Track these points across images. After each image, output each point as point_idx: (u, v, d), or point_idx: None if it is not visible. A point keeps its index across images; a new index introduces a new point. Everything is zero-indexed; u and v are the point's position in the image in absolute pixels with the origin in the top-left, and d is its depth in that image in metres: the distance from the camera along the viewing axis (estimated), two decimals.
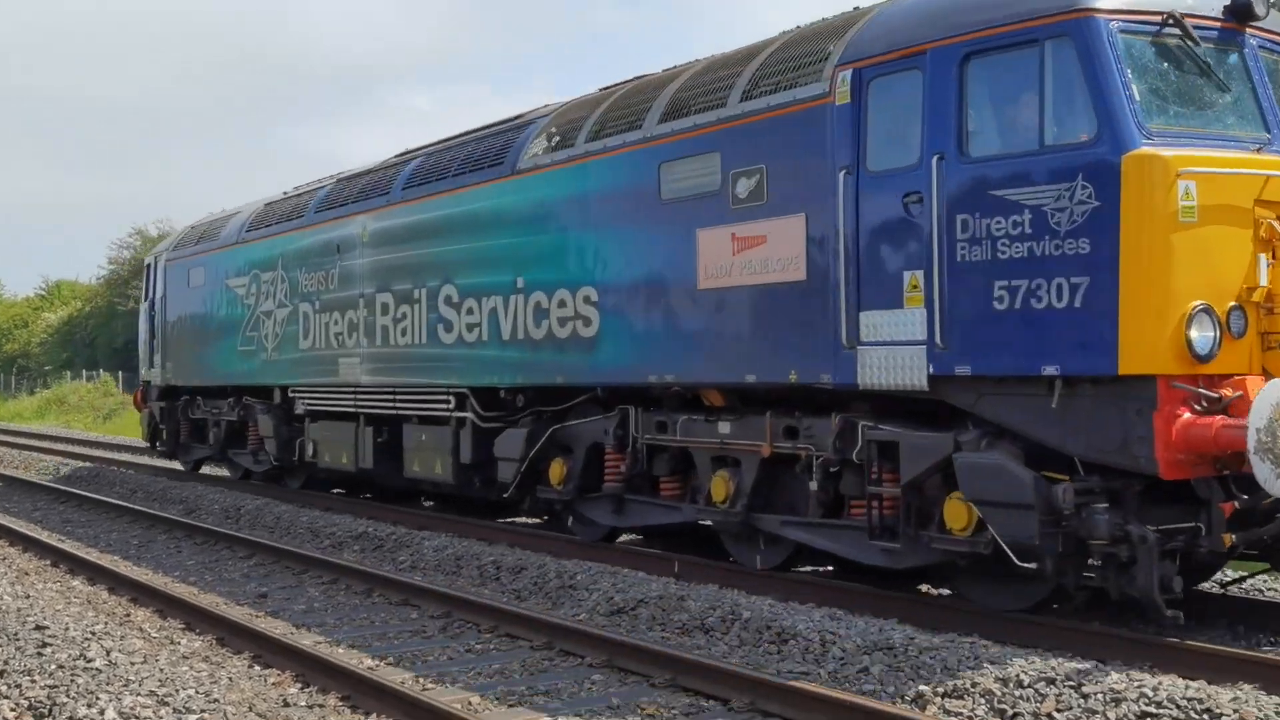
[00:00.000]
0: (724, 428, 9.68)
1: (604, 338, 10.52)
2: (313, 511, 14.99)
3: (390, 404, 13.83)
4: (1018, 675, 6.49)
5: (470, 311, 12.29)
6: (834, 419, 8.68)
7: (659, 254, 9.97)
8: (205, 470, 20.63)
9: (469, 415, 12.49)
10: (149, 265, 21.47)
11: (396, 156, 14.96)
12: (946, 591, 9.15)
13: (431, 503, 15.75)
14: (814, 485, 8.86)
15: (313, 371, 15.34)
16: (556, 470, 11.44)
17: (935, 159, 7.73)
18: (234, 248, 17.72)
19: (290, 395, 16.04)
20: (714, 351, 9.42)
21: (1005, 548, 7.38)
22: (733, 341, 9.26)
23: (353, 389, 14.54)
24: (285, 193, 17.65)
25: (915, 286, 7.90)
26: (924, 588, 9.44)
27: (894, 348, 8.01)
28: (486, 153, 12.45)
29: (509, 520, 14.00)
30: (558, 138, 11.41)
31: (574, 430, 11.35)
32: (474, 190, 12.32)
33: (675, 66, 11.00)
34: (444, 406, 12.87)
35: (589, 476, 11.25)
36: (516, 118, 12.93)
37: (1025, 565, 7.36)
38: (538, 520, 13.62)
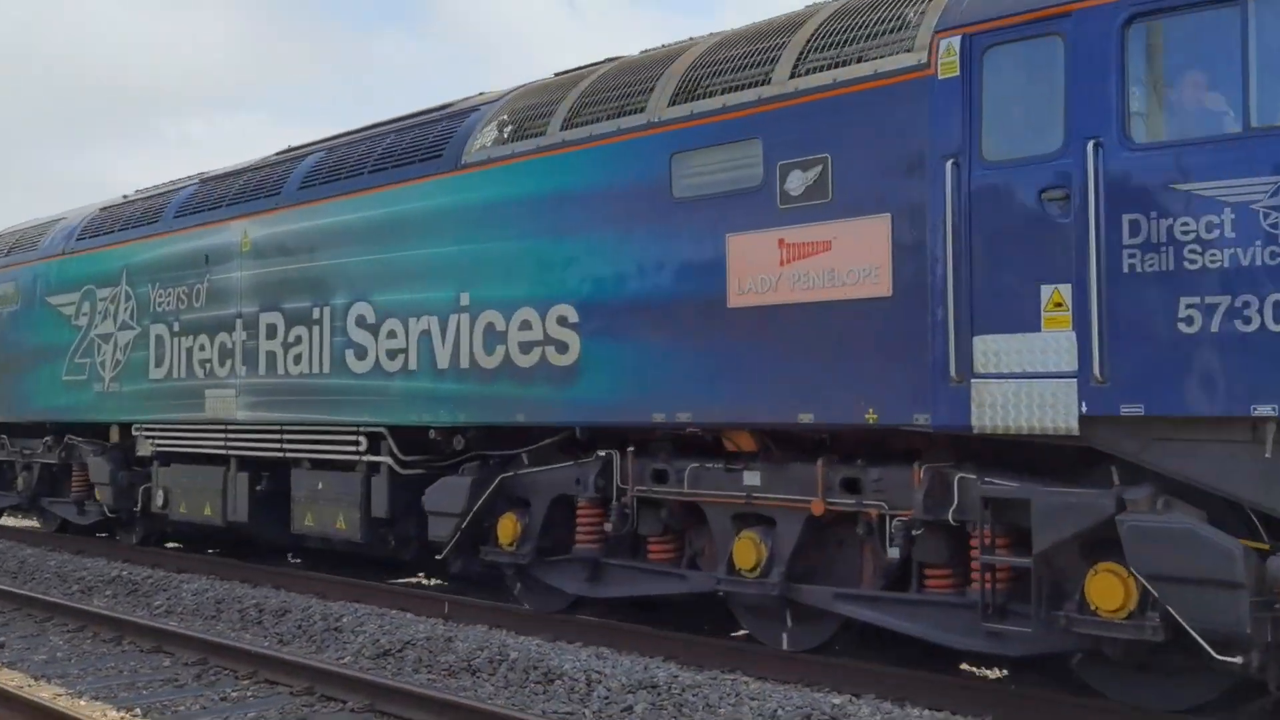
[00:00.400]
0: (751, 478, 7.87)
1: (587, 367, 8.57)
2: (62, 555, 13.88)
3: (275, 445, 11.45)
4: (776, 710, 6.62)
5: (392, 335, 10.13)
6: (918, 469, 6.98)
7: (670, 264, 8.10)
8: (6, 521, 17.60)
9: (385, 460, 10.32)
10: None
11: (280, 153, 12.66)
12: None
13: (300, 563, 13.43)
14: (893, 552, 7.11)
15: (167, 406, 12.76)
16: (508, 527, 9.40)
17: (1090, 145, 6.14)
18: (59, 259, 14.93)
19: (134, 434, 13.44)
20: (750, 385, 7.60)
21: (1196, 636, 5.80)
22: (778, 372, 7.45)
23: (223, 427, 12.10)
24: (127, 196, 15.00)
25: (1059, 304, 6.27)
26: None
27: (1028, 381, 6.35)
28: (417, 145, 10.34)
29: (404, 581, 11.98)
30: (519, 125, 9.45)
31: (532, 480, 9.35)
32: (400, 190, 10.20)
33: (668, 44, 9.20)
34: (350, 449, 10.66)
35: (551, 536, 9.30)
36: (444, 106, 10.90)
37: (1226, 659, 5.78)
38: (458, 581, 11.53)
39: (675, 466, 8.33)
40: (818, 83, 7.36)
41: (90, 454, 14.11)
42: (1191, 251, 5.85)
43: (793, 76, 7.53)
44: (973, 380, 6.55)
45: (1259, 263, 5.68)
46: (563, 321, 8.72)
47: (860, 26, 7.40)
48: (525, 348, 8.99)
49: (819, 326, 7.25)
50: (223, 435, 12.10)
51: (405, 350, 9.98)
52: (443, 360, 9.64)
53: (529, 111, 9.45)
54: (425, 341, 9.81)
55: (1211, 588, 5.71)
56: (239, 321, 11.78)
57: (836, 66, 7.32)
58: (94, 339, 13.93)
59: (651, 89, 8.45)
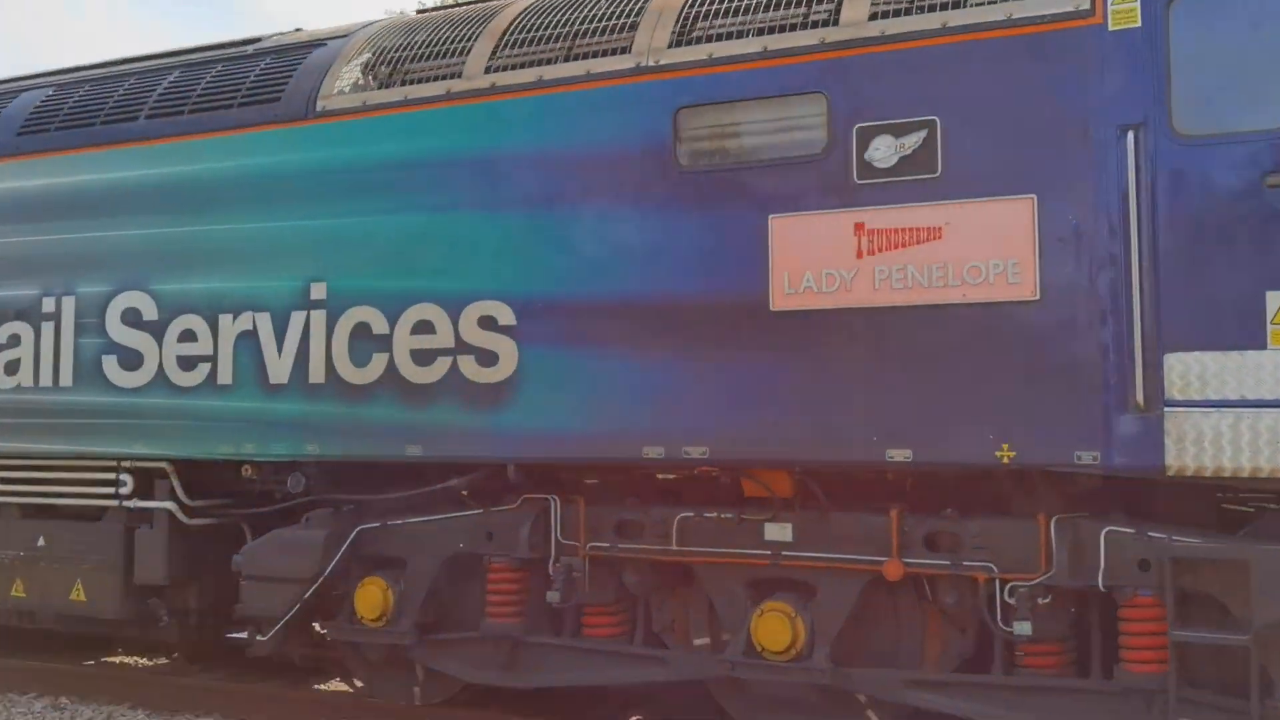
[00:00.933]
0: (779, 532, 6.08)
1: (528, 384, 6.43)
2: None
3: None
4: None
5: (189, 337, 7.42)
6: (1046, 521, 5.51)
7: (674, 252, 6.13)
8: None
9: (165, 505, 7.56)
10: None
11: None
12: None
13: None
14: (1022, 627, 5.54)
15: None
16: (373, 596, 7.01)
17: None
18: None
19: None
20: (806, 411, 5.82)
21: None
22: (854, 396, 5.73)
23: None
24: None
25: None
26: None
27: (1251, 411, 5.04)
28: (233, 84, 7.67)
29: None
30: (409, 64, 7.14)
31: (413, 534, 7.02)
32: (209, 142, 7.49)
33: None
34: (103, 491, 7.76)
35: (435, 608, 7.03)
36: (253, 40, 8.27)
37: None
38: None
39: (653, 516, 6.37)
40: (918, 26, 5.75)
41: None
42: None
43: (874, 19, 5.88)
44: (1166, 409, 5.15)
45: None
46: (488, 324, 6.52)
47: None
48: (423, 358, 6.69)
49: (923, 337, 5.61)
50: None
51: (213, 358, 7.32)
52: (279, 372, 7.10)
53: (426, 48, 7.15)
54: (249, 346, 7.21)
55: None
56: None
57: (948, 8, 5.76)
58: None
59: (637, 23, 6.49)
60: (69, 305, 7.85)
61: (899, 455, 5.61)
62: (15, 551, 8.07)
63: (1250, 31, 5.18)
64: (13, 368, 8.03)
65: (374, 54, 7.27)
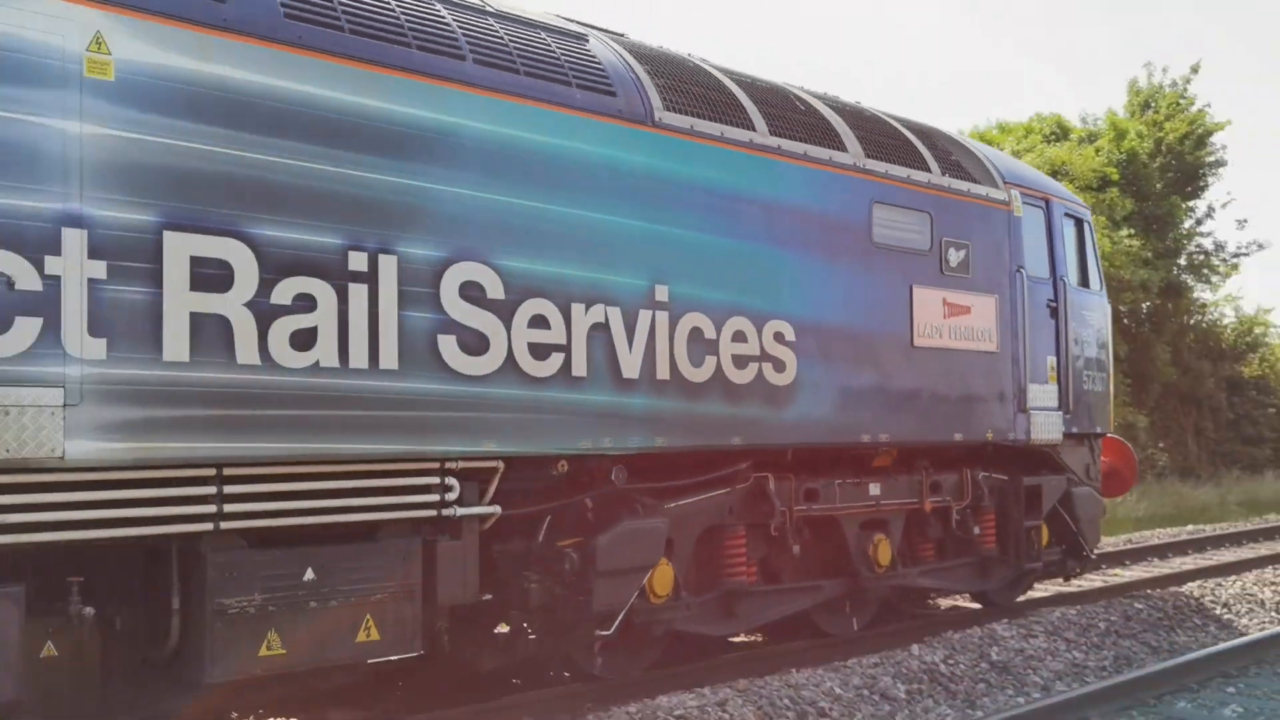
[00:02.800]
0: (875, 489, 9.32)
1: (802, 388, 8.30)
2: None
3: (185, 514, 5.48)
4: None
5: (541, 323, 6.78)
6: (970, 473, 10.12)
7: (869, 301, 8.87)
8: None
9: (491, 510, 6.72)
10: None
11: None
12: None
13: None
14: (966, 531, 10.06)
15: None
16: (665, 576, 7.70)
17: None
18: None
19: None
20: (927, 411, 9.32)
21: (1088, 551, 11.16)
22: (943, 402, 9.48)
23: None
24: None
25: (1053, 368, 10.69)
26: None
27: (1044, 413, 10.58)
28: (562, 64, 6.97)
29: None
30: (708, 104, 7.87)
31: (684, 513, 7.86)
32: (558, 116, 6.89)
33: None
34: (422, 499, 6.36)
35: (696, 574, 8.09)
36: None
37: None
38: None
39: (823, 485, 8.88)
40: (959, 187, 9.76)
41: None
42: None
43: (944, 174, 9.65)
44: (1031, 411, 10.37)
45: None
46: (779, 338, 8.20)
47: (971, 160, 10.21)
48: (740, 362, 7.92)
49: (966, 370, 9.70)
50: None
51: (566, 347, 6.93)
52: (630, 367, 7.26)
53: (697, 90, 7.97)
54: (601, 339, 7.13)
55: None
56: (76, 235, 5.13)
57: (969, 180, 9.89)
58: None
59: (837, 132, 8.84)
60: (389, 265, 6.16)
61: (958, 437, 9.66)
62: (267, 597, 5.81)
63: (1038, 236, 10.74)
64: (306, 340, 5.82)
65: (677, 84, 7.84)
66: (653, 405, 7.41)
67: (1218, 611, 10.98)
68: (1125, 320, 27.64)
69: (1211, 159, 30.47)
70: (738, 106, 8.30)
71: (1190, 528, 18.84)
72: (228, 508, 5.67)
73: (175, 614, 5.68)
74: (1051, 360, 10.78)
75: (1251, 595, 11.54)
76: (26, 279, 5.01)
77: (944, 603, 11.46)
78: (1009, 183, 10.59)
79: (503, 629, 7.49)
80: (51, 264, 5.07)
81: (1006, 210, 10.42)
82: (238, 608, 5.72)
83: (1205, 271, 31.11)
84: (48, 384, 5.05)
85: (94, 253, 5.19)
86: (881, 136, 9.52)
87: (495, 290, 6.63)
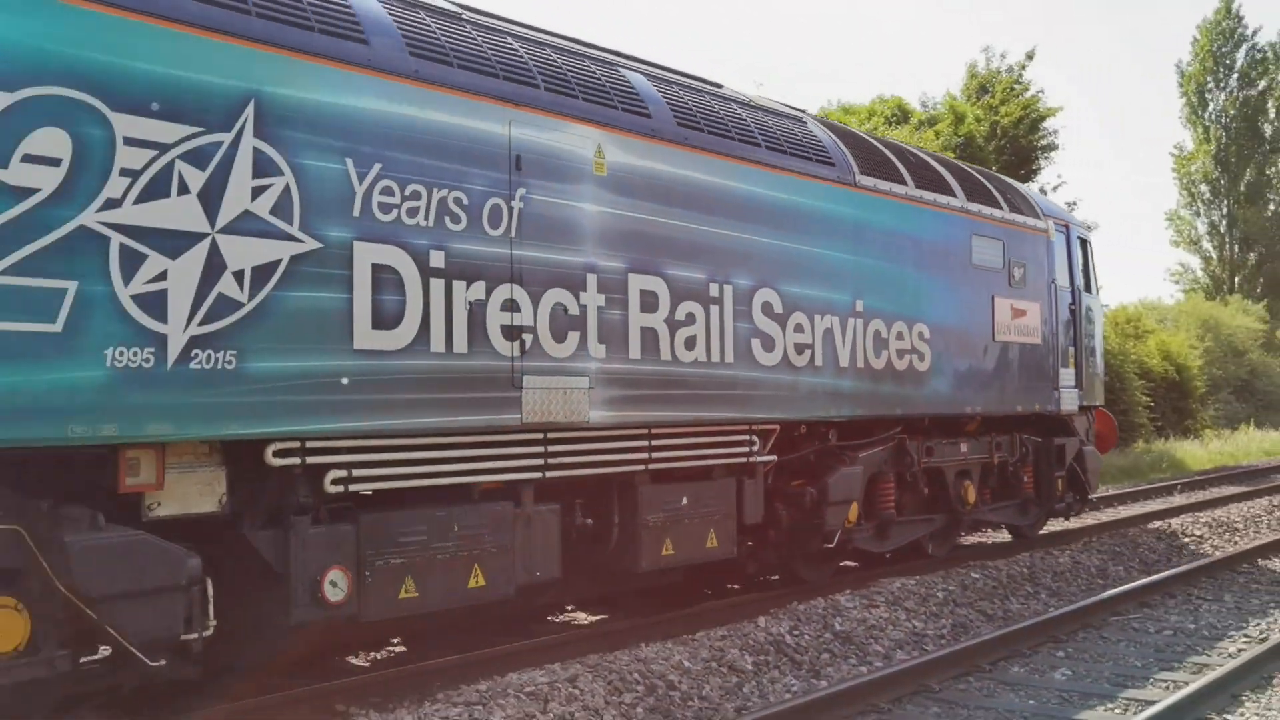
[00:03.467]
0: (964, 448, 12.55)
1: (933, 373, 11.49)
2: None
3: (639, 458, 8.48)
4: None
5: (799, 329, 9.84)
6: (1016, 436, 13.44)
7: (970, 308, 12.17)
8: None
9: (770, 459, 9.75)
10: None
11: (602, 49, 8.96)
12: None
13: None
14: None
15: (416, 405, 6.97)
16: (854, 510, 10.79)
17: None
18: None
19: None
20: (1003, 389, 12.58)
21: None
22: (1011, 382, 12.75)
23: (539, 437, 7.71)
24: None
25: (1072, 355, 14.05)
26: None
27: (1070, 390, 13.98)
28: (809, 145, 10.14)
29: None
30: (876, 166, 10.98)
31: (859, 461, 10.95)
32: (799, 181, 9.96)
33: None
34: (739, 451, 9.35)
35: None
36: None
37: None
38: None
39: (936, 444, 12.06)
40: (1018, 220, 13.02)
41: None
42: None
43: (1010, 211, 12.89)
44: (1061, 390, 13.71)
45: None
46: (921, 336, 11.35)
47: (1020, 198, 13.62)
48: (900, 354, 11.05)
49: (1025, 359, 12.99)
50: (532, 451, 7.72)
51: (811, 346, 9.97)
52: (844, 359, 10.33)
53: (876, 157, 11.11)
54: (829, 339, 10.18)
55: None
56: (592, 278, 7.98)
57: (1023, 214, 13.16)
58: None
59: (948, 182, 12.02)
60: (728, 292, 9.12)
61: (1019, 409, 12.95)
62: (664, 513, 8.77)
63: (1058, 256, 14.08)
64: (690, 344, 8.75)
65: (856, 152, 10.90)
66: (855, 385, 10.52)
67: (1048, 580, 11.70)
68: None
69: (1044, 143, 31.68)
70: (895, 168, 11.43)
71: None
72: (653, 455, 8.62)
73: (616, 525, 8.60)
74: (1071, 350, 14.17)
75: (1080, 564, 12.53)
76: (572, 307, 7.86)
77: (967, 541, 14.70)
78: (1045, 214, 13.94)
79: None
80: (583, 297, 7.94)
81: (1045, 236, 13.74)
82: (653, 521, 8.65)
83: None
84: (582, 375, 7.93)
85: (599, 288, 8.06)
86: (972, 183, 12.82)
87: (778, 307, 9.65)
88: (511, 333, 7.47)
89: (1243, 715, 7.27)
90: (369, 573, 6.81)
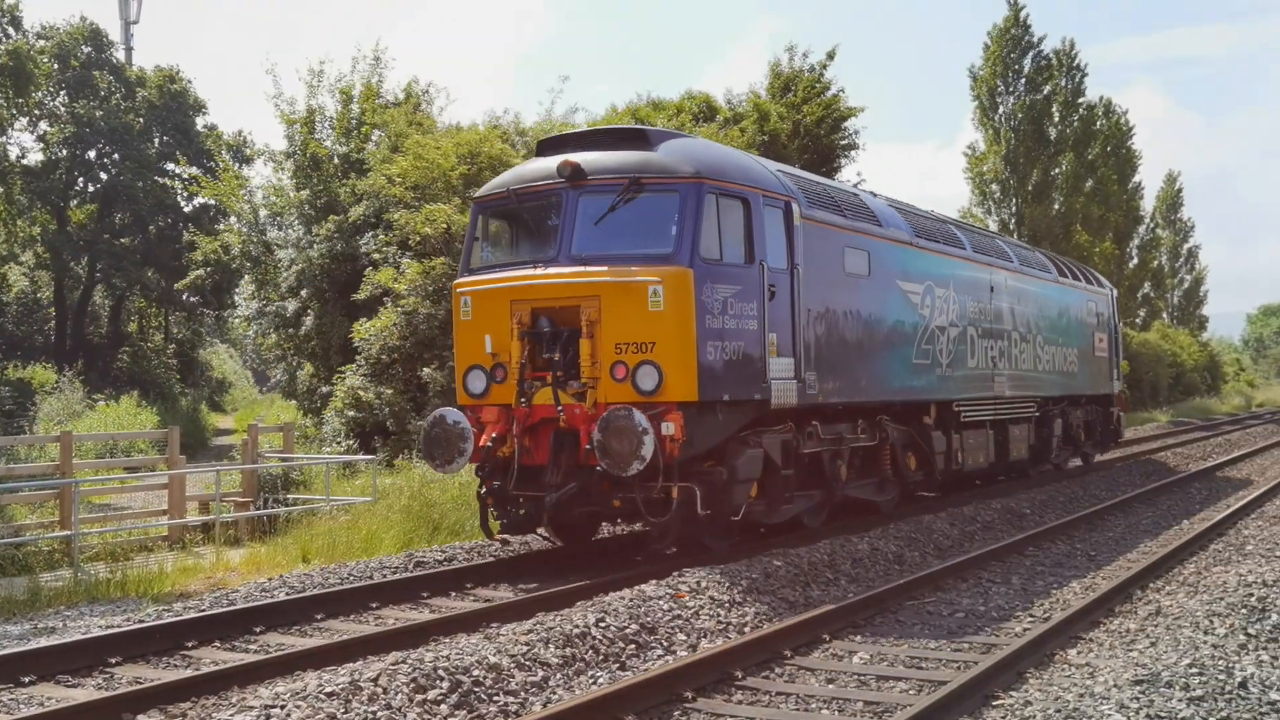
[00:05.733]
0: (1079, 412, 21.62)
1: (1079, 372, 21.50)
2: None
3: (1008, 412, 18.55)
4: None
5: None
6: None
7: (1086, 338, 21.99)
8: None
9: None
10: None
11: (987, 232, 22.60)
12: None
13: None
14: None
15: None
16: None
17: None
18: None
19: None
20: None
21: None
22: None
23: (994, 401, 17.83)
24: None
25: None
26: None
27: None
28: (1066, 269, 22.50)
29: None
30: (1069, 269, 22.84)
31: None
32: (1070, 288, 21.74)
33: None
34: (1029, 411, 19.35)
35: None
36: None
37: None
38: None
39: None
40: (1095, 289, 23.48)
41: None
42: None
43: (1101, 286, 23.81)
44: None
45: None
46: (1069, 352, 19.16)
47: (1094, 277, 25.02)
48: (1064, 361, 20.81)
49: (1100, 363, 23.34)
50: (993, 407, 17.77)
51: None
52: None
53: (1072, 266, 22.87)
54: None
55: None
56: (1010, 334, 18.35)
57: (1102, 285, 23.62)
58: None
59: (1080, 275, 22.72)
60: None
61: (1097, 391, 22.11)
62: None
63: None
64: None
65: (1068, 266, 18.09)
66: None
67: (848, 567, 11.67)
68: None
69: (845, 142, 31.85)
70: (1070, 270, 22.72)
71: None
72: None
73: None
74: (1110, 355, 24.19)
75: (878, 550, 12.50)
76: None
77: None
78: (1104, 284, 25.04)
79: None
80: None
81: (1107, 296, 24.35)
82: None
83: None
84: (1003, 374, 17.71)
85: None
86: (1078, 274, 23.07)
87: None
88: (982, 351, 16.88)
89: (1027, 691, 7.59)
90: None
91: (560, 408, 11.09)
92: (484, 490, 11.84)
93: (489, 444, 11.41)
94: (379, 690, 7.02)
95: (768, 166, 13.11)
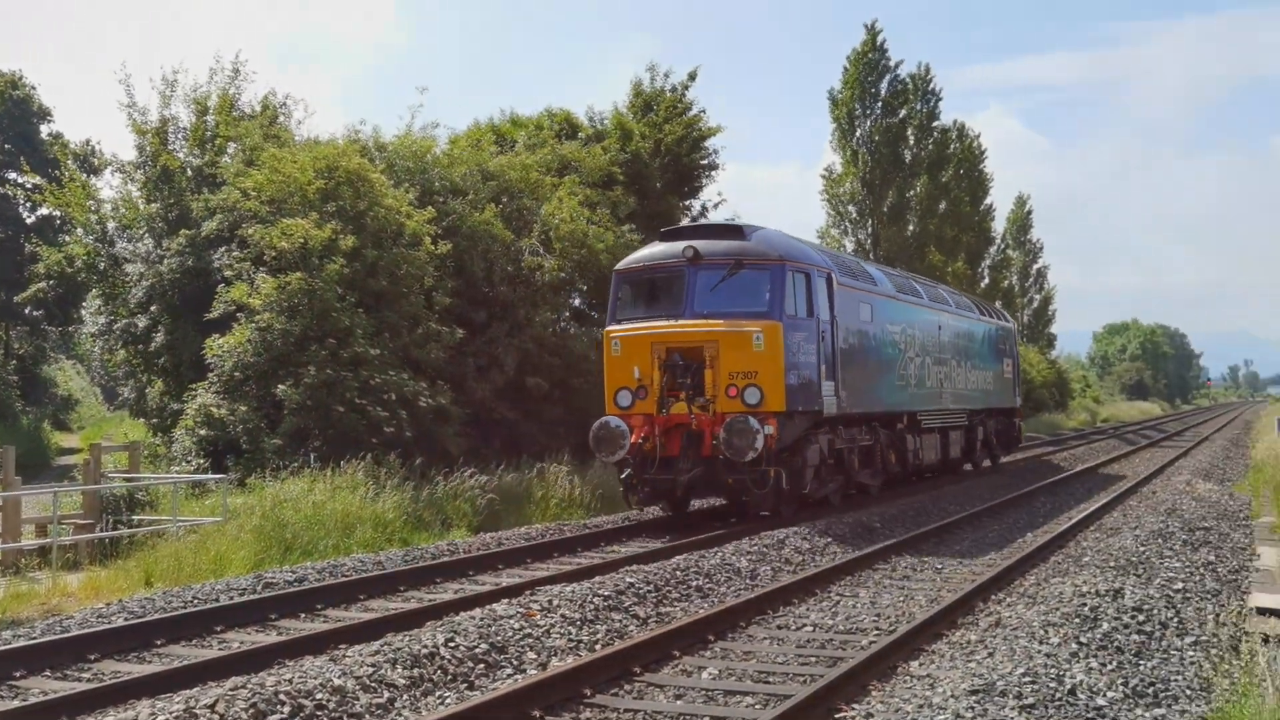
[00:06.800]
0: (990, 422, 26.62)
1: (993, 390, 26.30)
2: None
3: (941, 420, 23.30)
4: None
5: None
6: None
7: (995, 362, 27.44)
8: None
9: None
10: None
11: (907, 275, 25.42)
12: None
13: None
14: None
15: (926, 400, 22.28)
16: None
17: None
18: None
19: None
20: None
21: None
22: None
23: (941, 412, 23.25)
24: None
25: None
26: None
27: None
28: (973, 307, 27.79)
29: None
30: (980, 308, 28.22)
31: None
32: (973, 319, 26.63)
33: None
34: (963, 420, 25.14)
35: None
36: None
37: None
38: None
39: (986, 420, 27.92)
40: (1008, 326, 30.40)
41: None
42: None
43: (1005, 321, 29.80)
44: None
45: None
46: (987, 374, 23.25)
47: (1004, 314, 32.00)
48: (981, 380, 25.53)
49: (1005, 383, 29.29)
50: (940, 417, 23.15)
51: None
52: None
53: (980, 305, 28.86)
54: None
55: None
56: (950, 361, 23.68)
57: (1008, 320, 30.44)
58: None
59: (989, 311, 29.00)
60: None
61: (1003, 405, 28.09)
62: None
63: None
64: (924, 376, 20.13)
65: (978, 304, 27.40)
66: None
67: (699, 582, 11.84)
68: None
69: (705, 161, 32.54)
70: (985, 309, 29.28)
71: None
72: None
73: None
74: (1013, 377, 29.48)
75: (730, 565, 12.72)
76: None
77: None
78: (1009, 319, 31.47)
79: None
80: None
81: (1012, 328, 30.45)
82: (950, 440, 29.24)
83: None
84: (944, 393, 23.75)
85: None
86: (992, 313, 29.22)
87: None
88: (940, 381, 22.94)
89: (869, 704, 7.75)
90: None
91: (693, 415, 16.28)
92: (625, 475, 16.85)
93: (639, 441, 16.28)
94: (215, 717, 6.86)
95: (819, 249, 19.62)
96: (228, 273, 22.22)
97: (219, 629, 10.29)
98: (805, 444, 17.07)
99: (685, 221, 32.39)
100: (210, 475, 18.15)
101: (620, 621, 10.19)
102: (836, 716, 7.51)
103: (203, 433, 20.17)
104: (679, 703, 7.94)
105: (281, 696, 7.26)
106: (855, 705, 7.73)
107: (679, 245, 17.05)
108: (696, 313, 16.61)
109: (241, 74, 26.54)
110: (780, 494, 16.66)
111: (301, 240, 20.80)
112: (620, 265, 18.15)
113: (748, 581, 12.40)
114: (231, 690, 7.26)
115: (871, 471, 19.98)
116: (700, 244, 16.91)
